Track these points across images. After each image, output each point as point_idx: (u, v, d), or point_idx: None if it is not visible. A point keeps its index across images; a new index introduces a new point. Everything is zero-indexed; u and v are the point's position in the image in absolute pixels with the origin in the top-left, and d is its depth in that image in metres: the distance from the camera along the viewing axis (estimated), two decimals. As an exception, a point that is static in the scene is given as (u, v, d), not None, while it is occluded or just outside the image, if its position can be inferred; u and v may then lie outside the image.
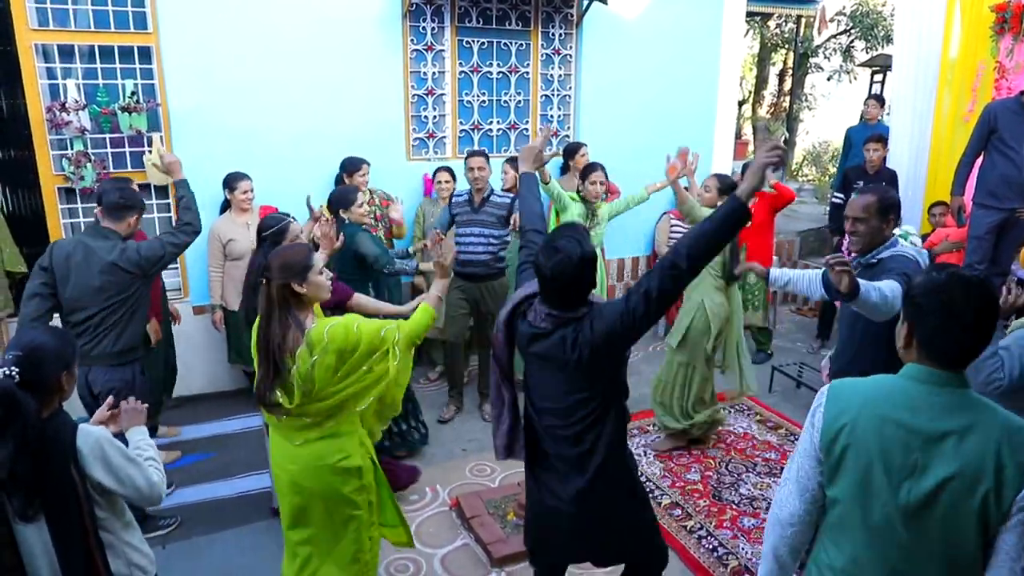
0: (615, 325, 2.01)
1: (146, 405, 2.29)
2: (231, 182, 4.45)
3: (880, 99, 6.83)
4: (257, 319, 2.45)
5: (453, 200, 4.54)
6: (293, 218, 3.37)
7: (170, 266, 4.49)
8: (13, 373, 1.84)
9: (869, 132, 6.33)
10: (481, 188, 4.43)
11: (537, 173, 2.74)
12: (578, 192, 4.66)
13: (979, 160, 4.94)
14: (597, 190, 4.55)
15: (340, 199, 3.86)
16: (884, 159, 5.73)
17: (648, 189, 4.83)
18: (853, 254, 2.83)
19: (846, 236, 5.53)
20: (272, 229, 3.27)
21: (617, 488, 2.23)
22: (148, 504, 2.11)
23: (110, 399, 2.28)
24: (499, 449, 2.42)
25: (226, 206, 4.57)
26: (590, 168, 4.65)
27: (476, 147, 5.66)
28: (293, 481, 2.50)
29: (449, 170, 5.06)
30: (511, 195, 4.56)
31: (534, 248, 2.34)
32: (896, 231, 5.13)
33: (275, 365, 2.32)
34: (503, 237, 4.53)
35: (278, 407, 2.37)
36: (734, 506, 3.76)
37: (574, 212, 4.55)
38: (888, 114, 6.81)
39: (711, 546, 3.44)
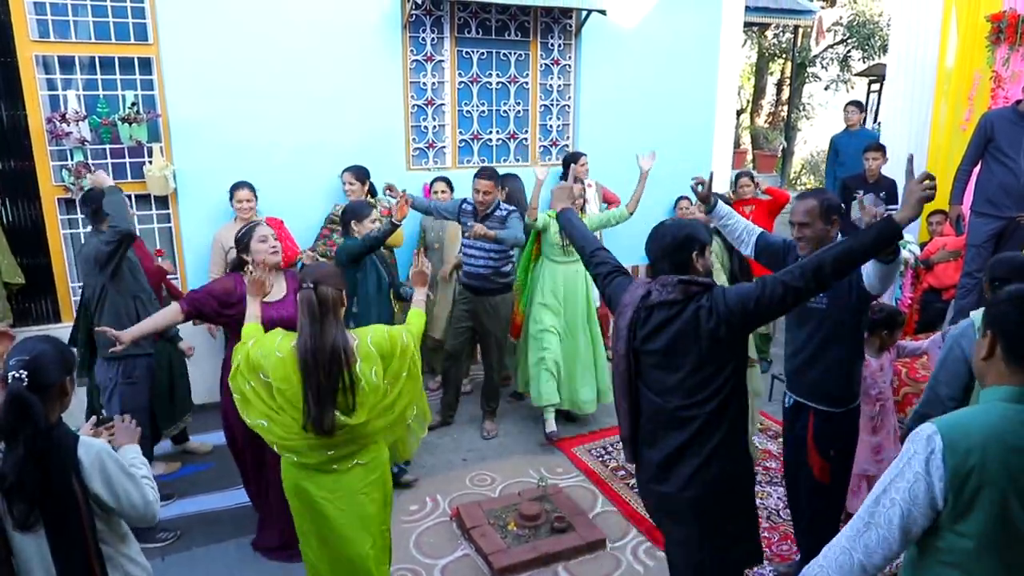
0: (750, 304, 2.09)
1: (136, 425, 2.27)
2: (232, 191, 4.49)
3: (859, 104, 6.82)
4: (240, 335, 2.45)
5: (463, 207, 4.42)
6: (261, 221, 3.33)
7: (171, 276, 4.50)
8: (22, 376, 1.85)
9: (854, 139, 6.37)
10: (484, 211, 4.34)
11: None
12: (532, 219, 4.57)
13: (976, 169, 4.96)
14: (579, 203, 4.51)
15: (354, 212, 3.90)
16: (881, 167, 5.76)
17: (629, 207, 4.73)
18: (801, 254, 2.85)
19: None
20: (242, 232, 3.21)
21: (734, 470, 2.24)
22: (142, 523, 2.08)
23: (92, 418, 2.27)
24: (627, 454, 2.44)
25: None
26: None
27: (476, 157, 5.68)
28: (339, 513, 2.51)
29: (446, 180, 5.08)
30: (510, 207, 4.47)
31: (611, 261, 2.57)
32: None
33: (338, 375, 2.31)
34: (505, 251, 4.44)
35: (335, 429, 2.33)
36: (735, 515, 3.75)
37: (552, 230, 4.51)
38: (878, 121, 6.83)
39: (712, 556, 3.42)
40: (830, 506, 2.93)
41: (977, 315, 2.73)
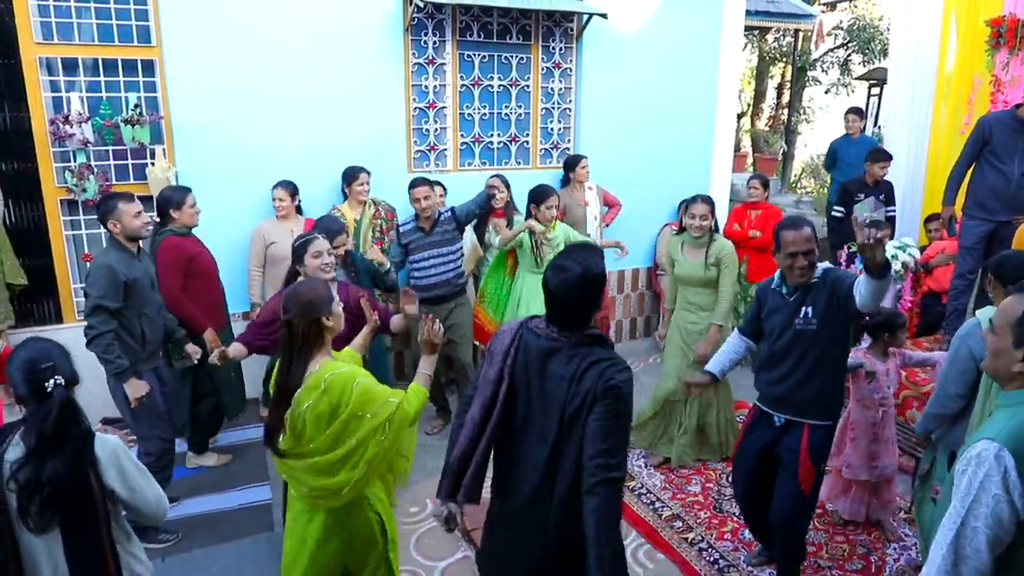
0: (607, 416, 1.84)
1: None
2: (272, 190, 4.66)
3: (859, 112, 6.87)
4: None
5: (401, 230, 4.41)
6: (319, 236, 3.29)
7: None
8: (60, 382, 1.86)
9: (854, 145, 6.42)
10: (429, 216, 4.35)
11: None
12: (530, 214, 4.56)
13: (970, 171, 4.97)
14: (552, 215, 4.51)
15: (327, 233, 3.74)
16: None
17: (602, 243, 4.83)
18: (796, 284, 2.86)
19: (844, 249, 5.54)
20: (299, 243, 3.20)
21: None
22: (153, 521, 2.09)
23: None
24: (460, 489, 2.06)
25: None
26: (548, 192, 4.56)
27: (477, 160, 5.70)
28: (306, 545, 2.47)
29: (439, 184, 5.11)
30: (451, 208, 4.46)
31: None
32: (894, 242, 5.18)
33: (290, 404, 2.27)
34: (460, 249, 4.48)
35: (279, 450, 2.32)
36: (735, 518, 3.75)
37: (526, 244, 4.52)
38: (878, 125, 6.85)
39: (712, 558, 3.43)
40: (809, 507, 3.02)
41: (984, 313, 2.78)
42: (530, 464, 1.99)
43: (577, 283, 1.89)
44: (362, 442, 2.26)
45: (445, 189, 5.11)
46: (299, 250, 3.17)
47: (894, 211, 5.73)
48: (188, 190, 3.96)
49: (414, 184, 4.35)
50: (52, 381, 1.85)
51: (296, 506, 2.48)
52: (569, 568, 2.01)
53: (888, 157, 5.71)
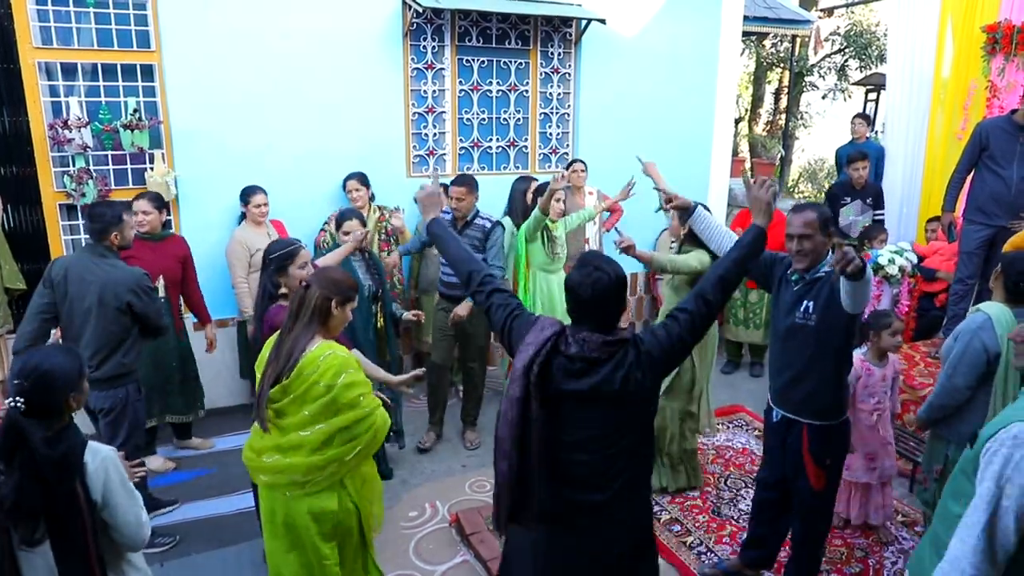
0: (675, 344, 1.99)
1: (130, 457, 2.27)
2: (246, 195, 4.57)
3: (866, 117, 6.90)
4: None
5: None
6: (302, 244, 3.18)
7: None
8: (19, 404, 1.84)
9: (856, 150, 6.44)
10: (460, 217, 4.31)
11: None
12: (543, 212, 4.41)
13: (970, 177, 4.99)
14: (561, 208, 4.51)
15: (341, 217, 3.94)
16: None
17: (597, 208, 4.79)
18: (796, 271, 2.82)
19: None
20: (279, 252, 3.04)
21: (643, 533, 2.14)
22: (130, 545, 2.04)
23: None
24: (501, 520, 2.00)
25: (243, 218, 4.68)
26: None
27: (476, 164, 5.71)
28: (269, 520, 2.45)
29: (446, 186, 5.12)
30: (492, 218, 4.39)
31: (511, 295, 2.21)
32: (891, 247, 5.18)
33: (284, 369, 2.28)
34: (483, 259, 4.38)
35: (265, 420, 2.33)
36: (733, 521, 3.76)
37: (537, 238, 4.47)
38: (880, 132, 6.88)
39: (711, 562, 3.43)
40: (825, 506, 3.00)
41: (987, 308, 2.87)
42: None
43: (615, 282, 1.98)
44: (344, 428, 2.32)
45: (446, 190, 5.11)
46: (283, 260, 3.00)
47: (882, 215, 5.76)
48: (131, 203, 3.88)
49: (454, 182, 4.31)
50: (9, 403, 1.84)
51: (268, 498, 2.45)
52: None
53: (861, 157, 5.72)
